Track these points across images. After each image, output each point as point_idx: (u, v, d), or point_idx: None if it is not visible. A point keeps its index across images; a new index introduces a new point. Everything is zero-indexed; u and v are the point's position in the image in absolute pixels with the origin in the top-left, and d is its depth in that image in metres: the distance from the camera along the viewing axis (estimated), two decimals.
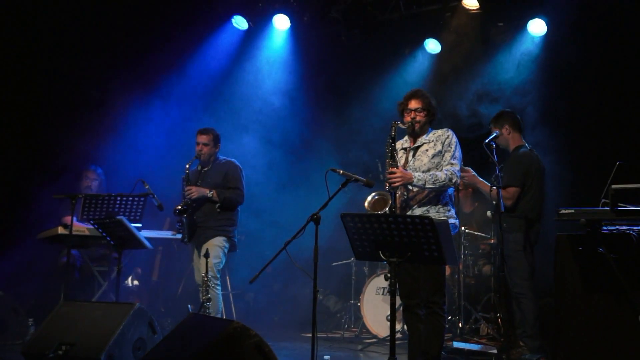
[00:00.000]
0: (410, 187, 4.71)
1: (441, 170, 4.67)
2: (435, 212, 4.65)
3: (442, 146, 4.74)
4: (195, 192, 6.10)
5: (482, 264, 7.09)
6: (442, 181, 4.60)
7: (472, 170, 5.66)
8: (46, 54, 7.73)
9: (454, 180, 4.65)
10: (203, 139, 6.26)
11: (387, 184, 4.61)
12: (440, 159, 4.73)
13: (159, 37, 8.18)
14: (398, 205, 4.69)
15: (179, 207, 6.07)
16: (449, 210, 4.75)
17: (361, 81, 8.62)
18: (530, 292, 5.51)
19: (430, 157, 4.73)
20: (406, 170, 4.69)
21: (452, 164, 4.70)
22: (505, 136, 5.80)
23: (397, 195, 4.68)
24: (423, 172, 4.67)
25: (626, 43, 6.78)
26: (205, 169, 6.35)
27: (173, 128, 8.27)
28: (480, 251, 7.17)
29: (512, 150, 5.80)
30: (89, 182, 7.19)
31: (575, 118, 7.17)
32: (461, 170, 4.88)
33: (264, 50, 8.75)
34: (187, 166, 6.18)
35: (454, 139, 4.78)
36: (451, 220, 4.62)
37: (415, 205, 4.73)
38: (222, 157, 6.40)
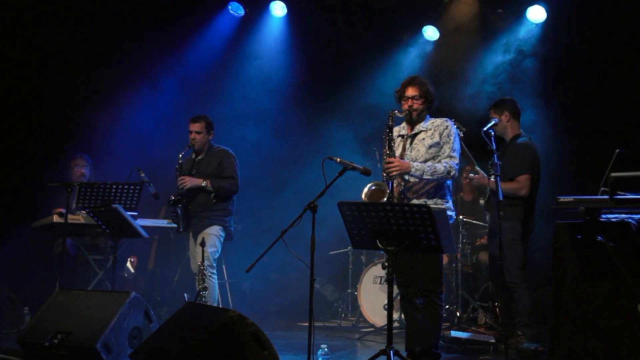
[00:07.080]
0: (407, 178, 4.67)
1: (440, 162, 4.62)
2: (432, 204, 4.59)
3: (440, 137, 4.68)
4: (188, 182, 6.04)
5: (479, 252, 7.08)
6: (441, 173, 4.56)
7: (482, 172, 5.58)
8: (42, 44, 7.67)
9: (452, 174, 4.61)
10: (195, 127, 6.18)
11: (384, 174, 4.56)
12: (438, 149, 4.67)
13: (154, 24, 8.11)
14: (395, 196, 4.65)
15: (173, 197, 6.03)
16: (447, 202, 4.72)
17: (359, 68, 8.56)
18: (525, 281, 5.47)
19: (427, 148, 4.67)
20: (403, 159, 4.65)
21: (451, 156, 4.65)
22: (504, 123, 5.66)
23: (395, 185, 4.63)
24: (420, 162, 4.61)
25: (626, 30, 6.74)
26: (199, 157, 6.29)
27: (170, 115, 8.21)
28: (478, 240, 7.15)
29: (512, 139, 5.69)
30: (81, 169, 7.18)
31: (574, 106, 7.14)
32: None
33: (260, 37, 8.68)
34: (180, 156, 6.13)
35: (453, 130, 4.72)
36: (448, 212, 4.54)
37: (413, 196, 4.68)
38: (216, 145, 6.34)
